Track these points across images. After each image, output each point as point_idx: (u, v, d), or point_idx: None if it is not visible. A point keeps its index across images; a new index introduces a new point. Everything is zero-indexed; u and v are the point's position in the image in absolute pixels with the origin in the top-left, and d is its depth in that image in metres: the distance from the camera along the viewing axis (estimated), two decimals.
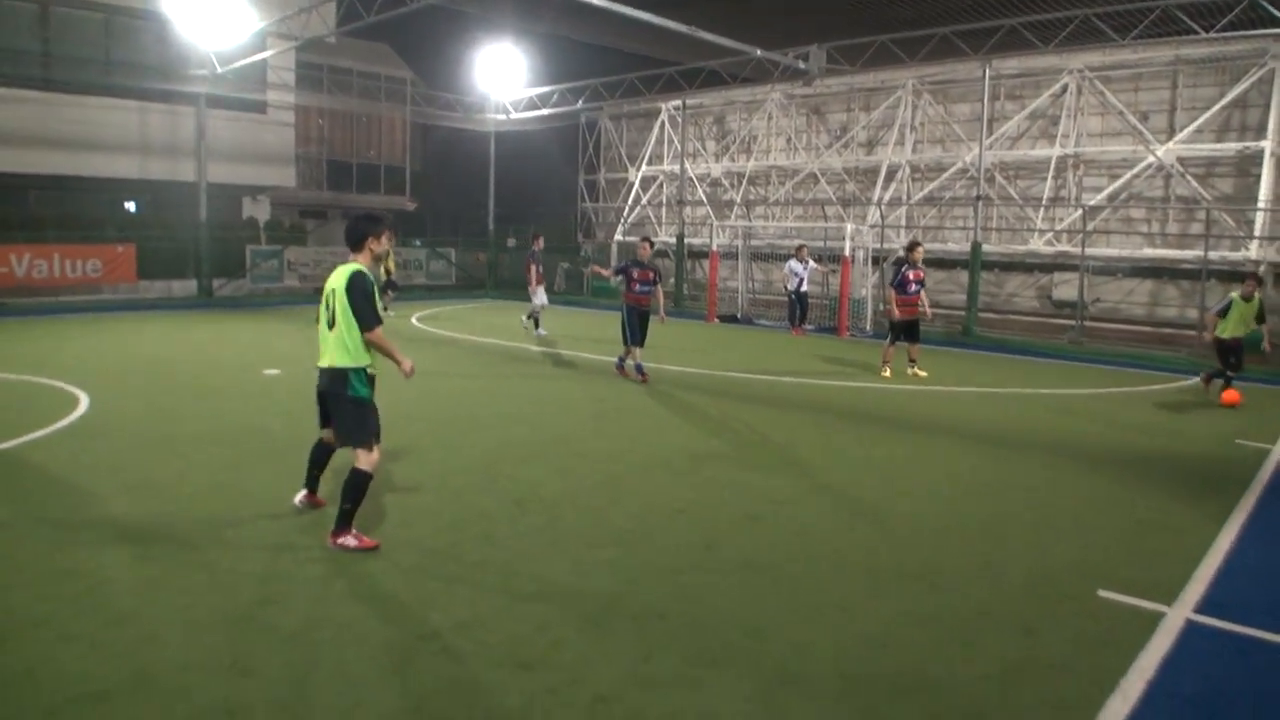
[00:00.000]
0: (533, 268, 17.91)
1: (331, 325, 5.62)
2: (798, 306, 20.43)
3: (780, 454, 8.69)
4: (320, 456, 6.20)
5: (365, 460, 5.58)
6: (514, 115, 30.34)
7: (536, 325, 17.97)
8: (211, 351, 14.49)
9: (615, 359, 13.20)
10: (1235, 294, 12.43)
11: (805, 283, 20.44)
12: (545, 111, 29.46)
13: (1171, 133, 21.70)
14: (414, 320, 20.50)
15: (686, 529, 6.25)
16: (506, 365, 14.06)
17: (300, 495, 6.33)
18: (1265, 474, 8.57)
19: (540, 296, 17.82)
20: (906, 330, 13.78)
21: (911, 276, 13.69)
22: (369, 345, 5.69)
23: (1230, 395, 12.20)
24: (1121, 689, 4.18)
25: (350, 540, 5.56)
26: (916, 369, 13.93)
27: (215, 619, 4.58)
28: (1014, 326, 22.30)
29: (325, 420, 5.92)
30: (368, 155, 36.23)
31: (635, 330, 12.51)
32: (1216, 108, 20.84)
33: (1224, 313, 12.41)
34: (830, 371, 14.54)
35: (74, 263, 22.19)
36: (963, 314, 21.05)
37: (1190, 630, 4.89)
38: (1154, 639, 4.73)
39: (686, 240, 27.81)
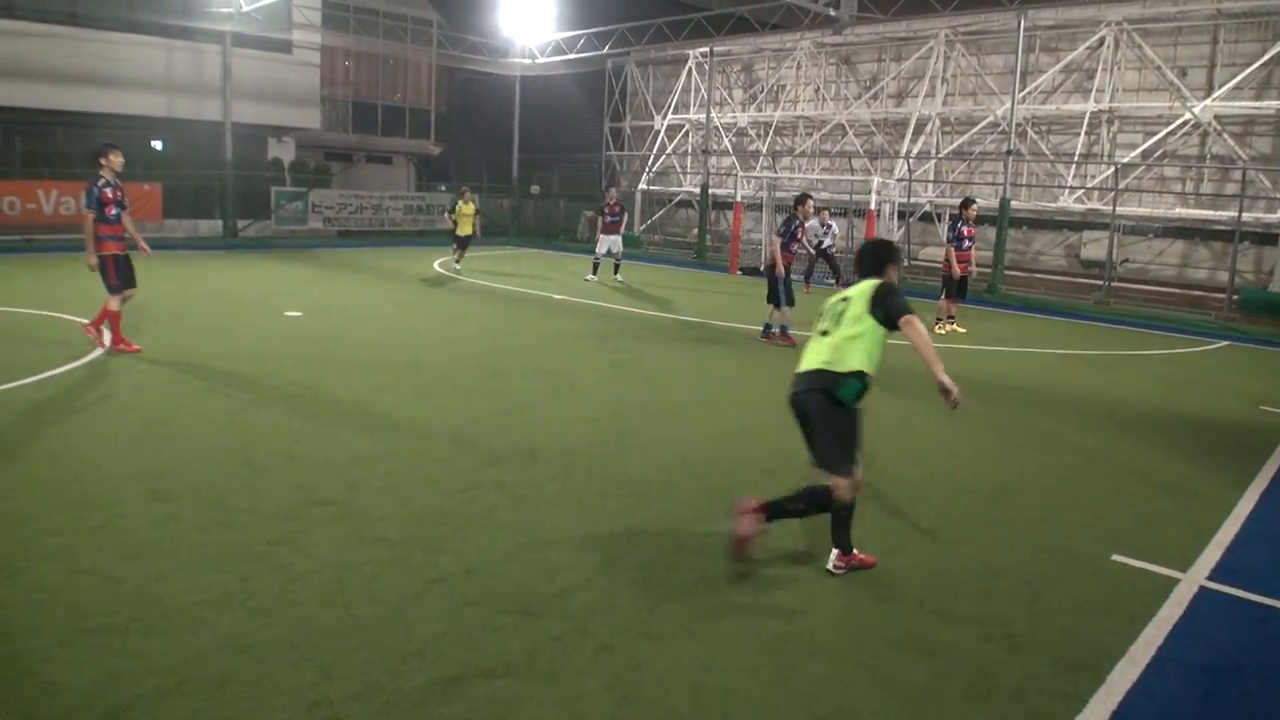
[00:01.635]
0: (598, 219, 19.52)
1: (828, 333, 4.99)
2: (818, 263, 20.23)
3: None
4: None
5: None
6: (540, 60, 29.97)
7: (599, 271, 19.09)
8: (234, 292, 14.56)
9: (761, 326, 12.66)
10: None
11: (829, 239, 20.21)
12: (571, 56, 29.08)
13: (1210, 89, 21.13)
14: (436, 265, 20.48)
15: (696, 482, 6.24)
16: (528, 312, 14.03)
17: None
18: None
19: (602, 245, 18.88)
20: (958, 286, 13.99)
21: (966, 233, 13.85)
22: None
23: None
24: (1130, 654, 4.15)
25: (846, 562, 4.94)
26: (956, 325, 14.14)
27: (228, 556, 4.63)
28: (1040, 285, 22.02)
29: None
30: (393, 98, 35.93)
31: (790, 291, 12.13)
32: (1257, 64, 20.24)
33: None
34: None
35: None
36: (989, 271, 20.78)
37: (1203, 597, 4.84)
38: (1165, 605, 4.69)
39: (711, 191, 27.53)
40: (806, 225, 20.25)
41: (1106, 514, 6.08)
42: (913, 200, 24.61)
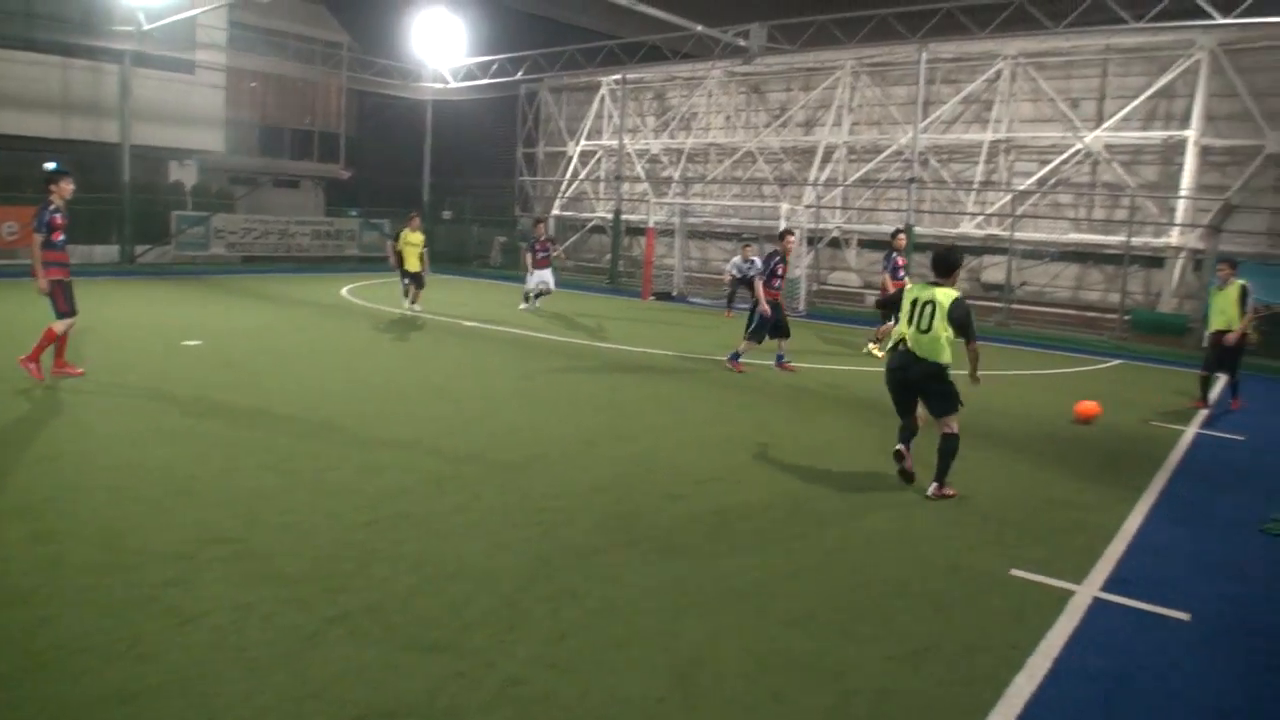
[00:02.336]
0: (527, 255, 18.71)
1: (927, 330, 6.84)
2: (737, 292, 20.50)
3: (705, 433, 8.69)
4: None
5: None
6: (452, 84, 29.81)
7: (533, 299, 18.60)
8: (130, 320, 14.02)
9: (774, 357, 12.72)
10: (1214, 284, 11.59)
11: (753, 271, 20.48)
12: (484, 82, 29.00)
13: (1100, 120, 22.17)
14: (344, 292, 20.09)
15: (605, 509, 6.20)
16: (437, 340, 13.85)
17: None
18: (1176, 455, 8.84)
19: (533, 279, 18.29)
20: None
21: (900, 262, 14.27)
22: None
23: (1085, 408, 10.18)
24: (1028, 666, 4.26)
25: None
26: (876, 347, 14.63)
27: (116, 601, 4.41)
28: None
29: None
30: (302, 121, 35.27)
31: (778, 324, 12.18)
32: (1143, 97, 21.33)
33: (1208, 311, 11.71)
34: (761, 352, 14.60)
35: None
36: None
37: (1097, 607, 5.01)
38: (1062, 616, 4.84)
39: (624, 216, 27.67)
40: (734, 262, 20.59)
41: (1006, 529, 6.26)
42: (821, 226, 25.14)
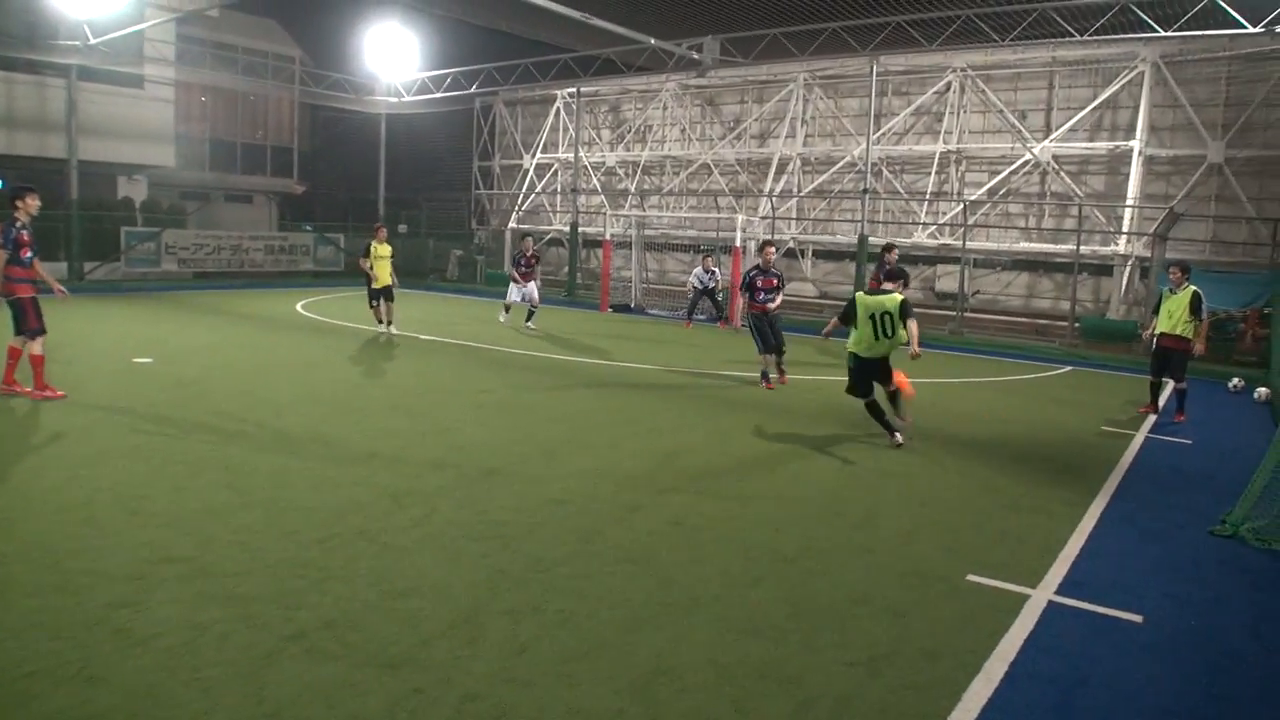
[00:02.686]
0: (513, 270, 18.61)
1: (891, 335, 8.91)
2: (699, 303, 20.66)
3: (664, 444, 8.70)
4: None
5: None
6: (406, 98, 29.67)
7: (507, 312, 18.80)
8: (78, 338, 13.72)
9: (759, 374, 12.38)
10: (1165, 287, 11.34)
11: (713, 282, 20.77)
12: (438, 95, 28.90)
13: (1048, 131, 22.64)
14: (298, 307, 19.86)
15: (564, 521, 6.18)
16: (391, 354, 13.73)
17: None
18: (1127, 460, 9.01)
19: (515, 291, 18.29)
20: None
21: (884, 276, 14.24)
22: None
23: (900, 379, 9.46)
24: (985, 670, 4.31)
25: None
26: None
27: (63, 623, 4.31)
28: None
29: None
30: (254, 135, 34.90)
31: (766, 336, 12.09)
32: (1089, 108, 21.82)
33: (1157, 309, 11.34)
34: (721, 363, 14.68)
35: None
36: None
37: (1051, 611, 5.08)
38: (1017, 621, 4.90)
39: (580, 229, 27.69)
40: (696, 273, 20.73)
41: (962, 535, 6.33)
42: (777, 237, 25.34)
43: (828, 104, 26.16)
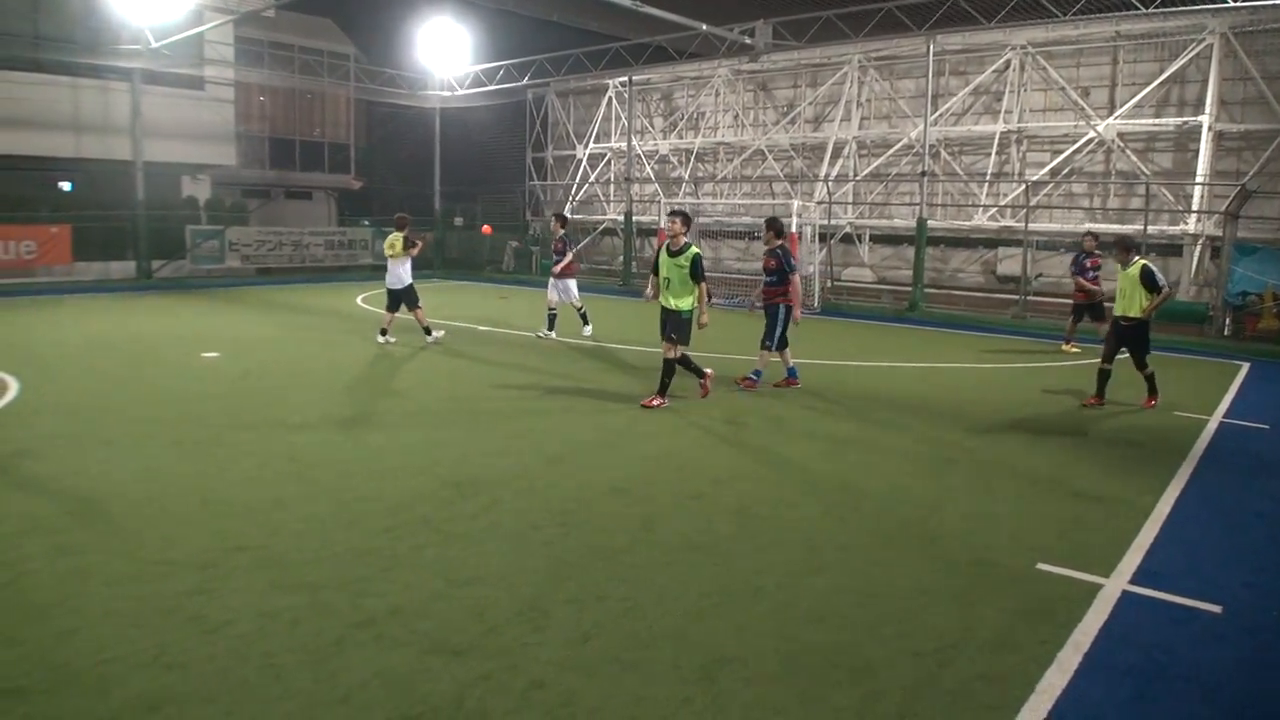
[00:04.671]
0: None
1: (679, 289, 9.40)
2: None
3: (722, 431, 8.66)
4: None
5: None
6: (459, 92, 29.88)
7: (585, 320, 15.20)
8: (149, 335, 14.10)
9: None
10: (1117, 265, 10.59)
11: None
12: (491, 88, 29.05)
13: (1112, 108, 22.01)
14: (359, 300, 20.15)
15: (626, 509, 6.18)
16: (452, 347, 13.85)
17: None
18: (1201, 445, 8.74)
19: (551, 292, 14.85)
20: (1089, 311, 14.68)
21: (1090, 264, 14.44)
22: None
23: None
24: (1058, 661, 4.20)
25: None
26: (1071, 345, 14.97)
27: (140, 610, 4.43)
28: (959, 302, 22.53)
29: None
30: (311, 133, 35.44)
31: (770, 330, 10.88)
32: (1156, 83, 21.17)
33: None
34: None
35: (6, 244, 21.47)
36: (909, 290, 21.21)
37: (1126, 601, 4.94)
38: (1091, 611, 4.77)
39: (635, 218, 27.66)
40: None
41: (1031, 523, 6.19)
42: (833, 222, 25.05)
43: (883, 86, 25.76)
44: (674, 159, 30.57)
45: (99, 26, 23.14)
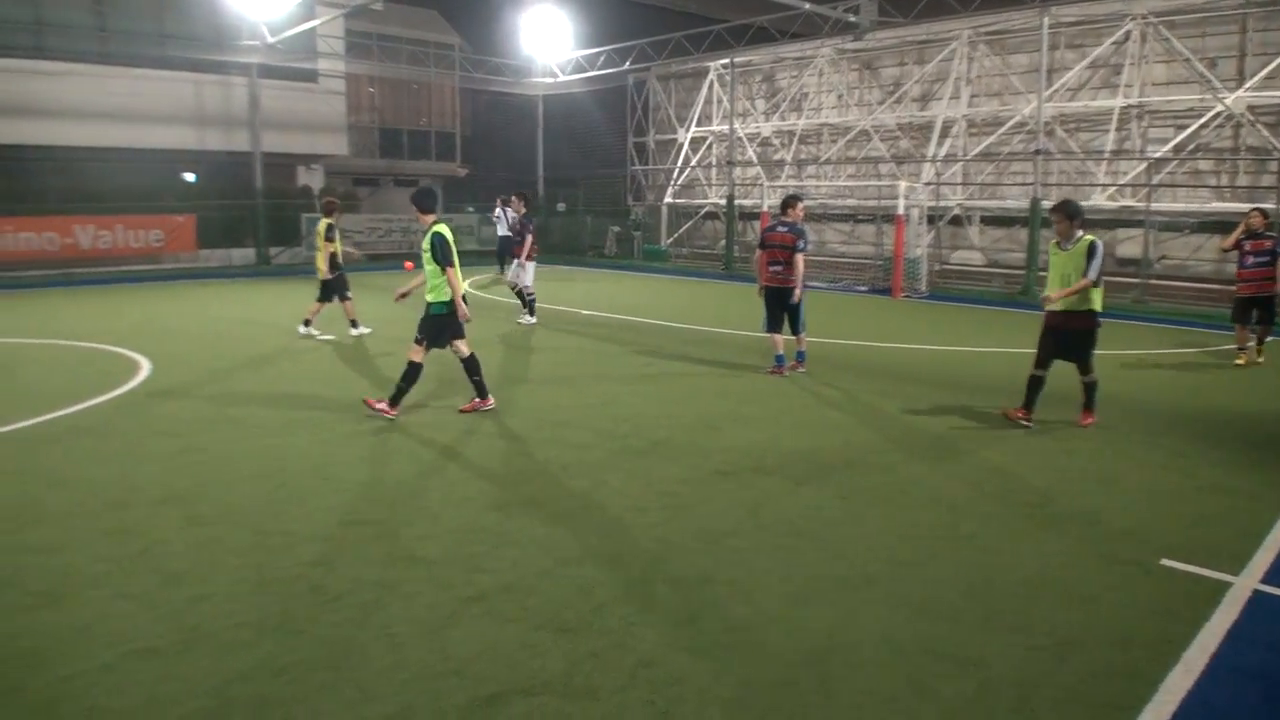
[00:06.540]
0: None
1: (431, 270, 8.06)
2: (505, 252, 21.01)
3: (824, 417, 8.56)
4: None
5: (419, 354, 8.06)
6: (561, 78, 30.15)
7: (529, 309, 14.63)
8: (268, 318, 14.71)
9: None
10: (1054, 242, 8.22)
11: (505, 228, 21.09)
12: (592, 74, 29.22)
13: (1241, 80, 20.77)
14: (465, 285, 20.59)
15: (730, 494, 6.18)
16: (557, 329, 14.04)
17: None
18: None
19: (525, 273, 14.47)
20: (1249, 307, 11.62)
21: (1250, 248, 11.52)
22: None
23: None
24: (1184, 661, 4.03)
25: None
26: (1252, 354, 11.72)
27: (265, 579, 4.65)
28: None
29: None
30: (418, 122, 36.32)
31: (769, 314, 10.54)
32: None
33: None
34: (876, 335, 14.31)
35: (136, 233, 22.70)
36: (1022, 274, 20.53)
37: (1257, 600, 4.69)
38: (1218, 609, 4.55)
39: (737, 201, 27.48)
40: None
41: (1153, 518, 5.94)
42: (941, 204, 24.40)
43: (993, 61, 24.90)
44: (776, 141, 30.21)
45: (221, 24, 24.19)
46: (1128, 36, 22.18)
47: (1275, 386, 10.43)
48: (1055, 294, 7.92)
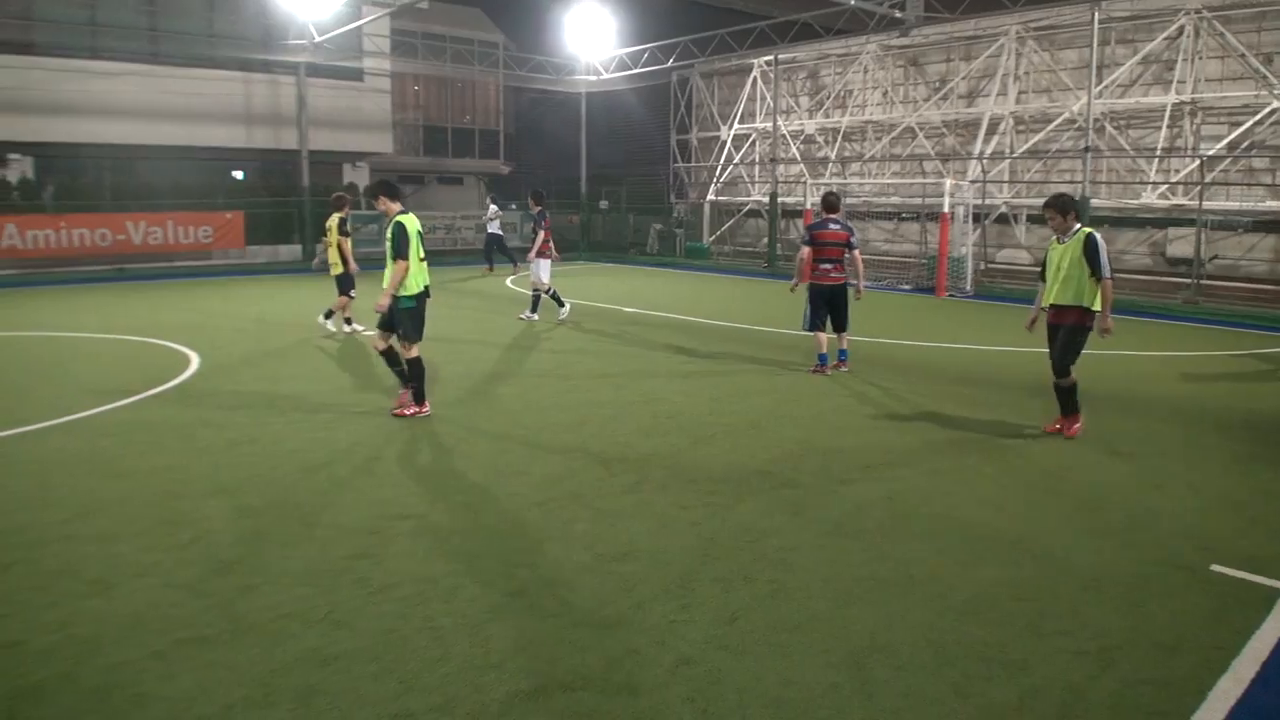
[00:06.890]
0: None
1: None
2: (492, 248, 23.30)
3: (868, 415, 8.50)
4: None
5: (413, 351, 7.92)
6: (605, 76, 30.19)
7: (532, 307, 14.58)
8: (313, 314, 14.88)
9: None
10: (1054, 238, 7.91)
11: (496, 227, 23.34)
12: (636, 71, 29.22)
13: None
14: (508, 282, 20.73)
15: (773, 492, 6.16)
16: (599, 326, 14.08)
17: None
18: None
19: (541, 269, 14.30)
20: None
21: None
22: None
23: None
24: (1234, 669, 3.94)
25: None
26: None
27: (311, 571, 4.72)
28: (1124, 285, 21.25)
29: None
30: (462, 120, 36.59)
31: (814, 312, 10.47)
32: None
33: (1044, 274, 8.04)
34: (920, 333, 14.17)
35: (186, 229, 23.13)
36: None
37: None
38: (1271, 617, 4.45)
39: (780, 199, 27.35)
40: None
41: (1205, 522, 5.82)
42: (987, 202, 24.09)
43: (1042, 57, 24.52)
44: (820, 138, 30.01)
45: (269, 23, 24.58)
46: (1181, 31, 21.73)
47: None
48: (1109, 321, 7.57)
